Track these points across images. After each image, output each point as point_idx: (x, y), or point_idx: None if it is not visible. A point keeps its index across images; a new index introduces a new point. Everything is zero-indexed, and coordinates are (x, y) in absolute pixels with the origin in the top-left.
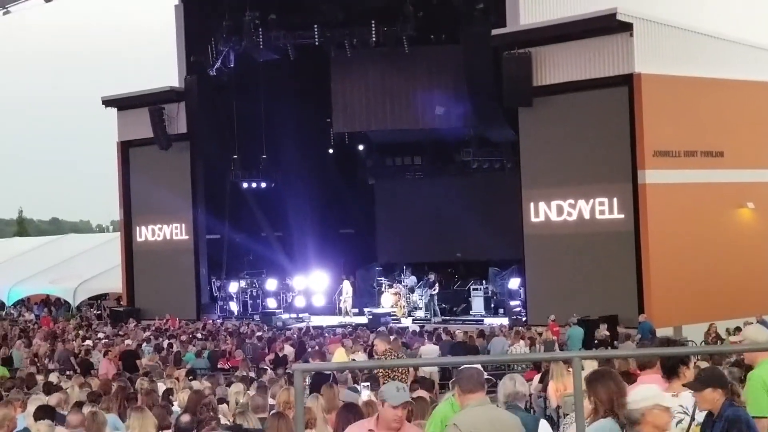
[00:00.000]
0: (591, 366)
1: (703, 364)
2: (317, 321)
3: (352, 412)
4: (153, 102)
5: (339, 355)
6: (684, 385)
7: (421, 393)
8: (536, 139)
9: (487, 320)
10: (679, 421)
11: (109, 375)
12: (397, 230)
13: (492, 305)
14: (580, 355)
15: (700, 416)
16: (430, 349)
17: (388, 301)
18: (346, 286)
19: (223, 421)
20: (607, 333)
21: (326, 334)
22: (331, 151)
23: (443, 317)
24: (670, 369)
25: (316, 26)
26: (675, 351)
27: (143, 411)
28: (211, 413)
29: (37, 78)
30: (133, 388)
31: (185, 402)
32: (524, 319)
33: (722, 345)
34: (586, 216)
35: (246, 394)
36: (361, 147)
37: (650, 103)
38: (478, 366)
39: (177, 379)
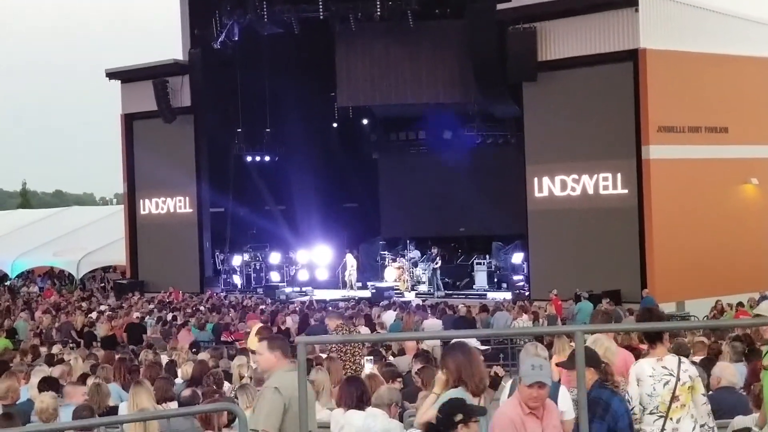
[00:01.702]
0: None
1: (705, 339)
2: (320, 294)
3: (355, 385)
4: (157, 75)
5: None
6: (557, 365)
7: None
8: (540, 115)
9: (490, 294)
10: (666, 383)
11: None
12: (401, 205)
13: (495, 280)
14: (583, 328)
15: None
16: (432, 324)
17: (391, 275)
18: (350, 260)
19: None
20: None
21: (329, 308)
22: (335, 125)
23: (446, 291)
24: (655, 335)
25: (320, 0)
26: (677, 326)
27: (140, 385)
28: (214, 386)
29: (40, 49)
30: (137, 360)
31: (188, 374)
32: (527, 293)
33: (722, 319)
34: (590, 191)
35: (249, 367)
36: (365, 121)
37: (655, 78)
38: None
39: (180, 351)
